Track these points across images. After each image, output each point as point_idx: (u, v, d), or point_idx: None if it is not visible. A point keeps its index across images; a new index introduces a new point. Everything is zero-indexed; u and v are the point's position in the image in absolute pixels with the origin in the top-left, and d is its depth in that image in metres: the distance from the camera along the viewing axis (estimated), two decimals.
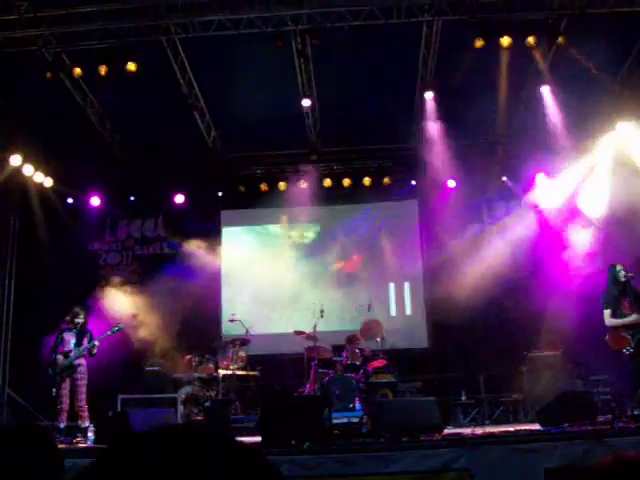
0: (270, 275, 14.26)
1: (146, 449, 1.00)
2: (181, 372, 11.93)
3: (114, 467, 0.98)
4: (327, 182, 14.32)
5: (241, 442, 1.05)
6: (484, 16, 10.18)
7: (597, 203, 12.39)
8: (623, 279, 8.70)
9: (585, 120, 11.76)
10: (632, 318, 8.52)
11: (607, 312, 8.72)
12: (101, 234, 14.86)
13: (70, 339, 9.92)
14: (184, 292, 12.69)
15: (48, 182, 13.51)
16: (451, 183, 13.86)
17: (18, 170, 12.67)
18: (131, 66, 10.54)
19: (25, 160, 12.64)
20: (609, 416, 8.10)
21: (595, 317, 8.90)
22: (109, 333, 9.98)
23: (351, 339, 11.75)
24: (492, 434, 7.76)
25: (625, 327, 8.57)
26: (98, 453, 1.04)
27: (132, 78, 10.72)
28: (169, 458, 0.96)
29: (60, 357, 9.78)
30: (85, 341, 9.93)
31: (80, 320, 10.04)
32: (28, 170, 12.82)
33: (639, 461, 1.72)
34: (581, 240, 12.43)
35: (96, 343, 9.86)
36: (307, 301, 13.79)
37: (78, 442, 9.07)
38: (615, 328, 8.62)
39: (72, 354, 9.79)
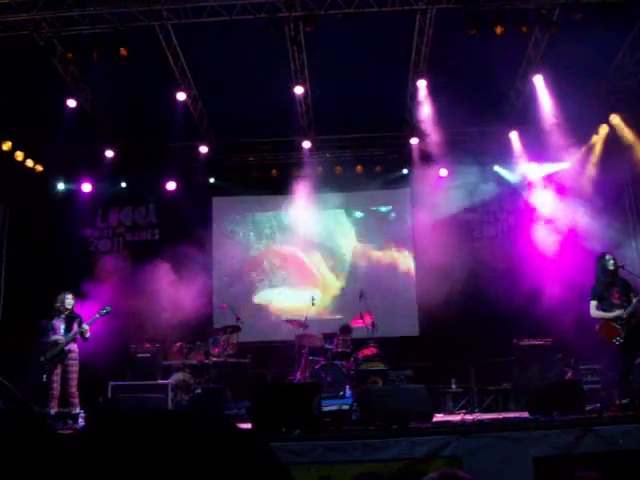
0: (261, 262, 14.30)
1: (145, 435, 0.98)
2: (172, 359, 11.93)
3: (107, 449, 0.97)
4: (319, 170, 14.27)
5: (242, 429, 1.04)
6: (477, 5, 10.16)
7: (588, 193, 12.45)
8: (612, 267, 8.75)
9: (578, 110, 11.77)
10: (616, 313, 8.57)
11: (593, 304, 8.77)
12: (92, 220, 14.79)
13: (60, 325, 9.88)
14: (175, 279, 12.67)
15: (39, 168, 13.44)
16: (443, 172, 13.88)
17: (9, 156, 12.59)
18: (123, 52, 10.49)
19: (16, 146, 12.57)
20: (598, 405, 8.17)
21: (585, 306, 8.94)
22: (97, 316, 9.94)
23: (344, 328, 11.80)
24: (481, 422, 7.79)
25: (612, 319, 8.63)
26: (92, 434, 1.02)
27: (124, 64, 10.66)
28: (171, 444, 0.94)
29: (50, 343, 9.75)
30: (75, 326, 9.87)
31: (68, 306, 9.99)
32: (19, 156, 12.74)
33: None
34: (571, 229, 12.49)
35: (86, 327, 9.82)
36: (298, 289, 13.84)
37: (69, 428, 9.05)
38: (605, 319, 8.66)
39: (62, 340, 9.76)
